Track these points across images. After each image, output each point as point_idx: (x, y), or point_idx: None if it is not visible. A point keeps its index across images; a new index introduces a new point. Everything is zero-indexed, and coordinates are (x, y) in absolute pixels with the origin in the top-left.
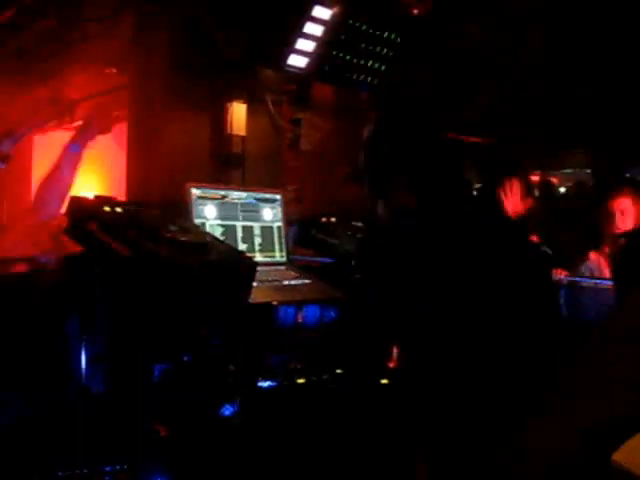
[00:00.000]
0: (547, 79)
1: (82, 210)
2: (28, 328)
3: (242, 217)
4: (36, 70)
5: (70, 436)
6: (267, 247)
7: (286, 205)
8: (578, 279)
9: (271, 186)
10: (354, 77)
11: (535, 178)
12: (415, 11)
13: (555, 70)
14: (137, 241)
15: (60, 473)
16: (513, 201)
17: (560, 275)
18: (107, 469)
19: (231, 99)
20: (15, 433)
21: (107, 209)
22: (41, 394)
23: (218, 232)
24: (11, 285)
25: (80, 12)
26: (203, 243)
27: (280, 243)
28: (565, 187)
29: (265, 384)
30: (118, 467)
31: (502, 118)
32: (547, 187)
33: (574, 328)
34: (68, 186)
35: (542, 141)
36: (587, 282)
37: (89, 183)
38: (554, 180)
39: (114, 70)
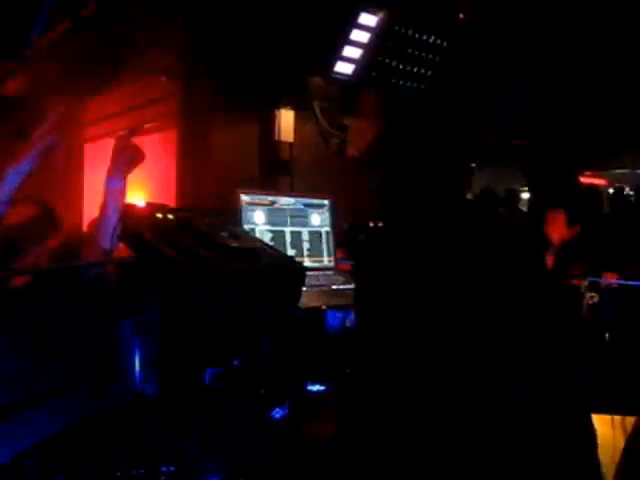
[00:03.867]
0: (594, 79)
1: (135, 217)
2: (84, 332)
3: (290, 222)
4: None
5: (126, 437)
6: (315, 252)
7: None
8: (630, 283)
9: (318, 191)
10: (401, 83)
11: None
12: (460, 16)
13: (602, 70)
14: (189, 247)
15: (118, 473)
16: (558, 230)
17: (610, 279)
18: (163, 469)
19: (279, 106)
20: (71, 435)
21: (159, 216)
22: (97, 397)
23: (267, 237)
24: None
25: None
26: (253, 249)
27: (328, 248)
28: (613, 188)
29: (314, 388)
30: (173, 468)
31: (547, 119)
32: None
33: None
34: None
35: (590, 141)
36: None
37: (136, 190)
38: (601, 182)
39: (164, 79)
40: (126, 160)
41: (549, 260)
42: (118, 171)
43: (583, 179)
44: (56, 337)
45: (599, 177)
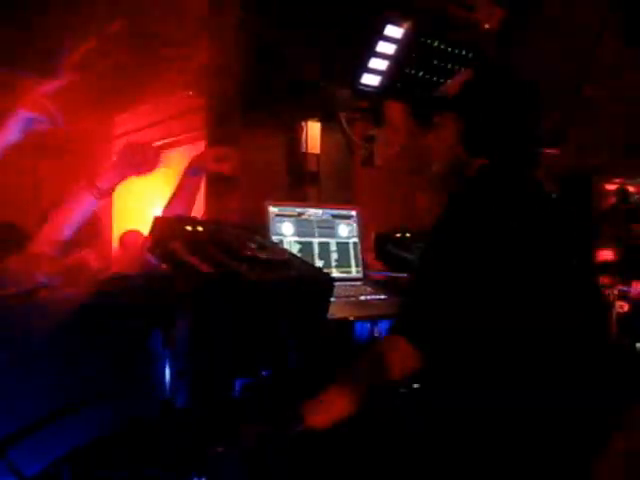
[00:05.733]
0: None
1: (165, 229)
2: (115, 343)
3: (318, 233)
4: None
5: (154, 449)
6: (343, 263)
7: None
8: None
9: (346, 202)
10: (426, 94)
11: (612, 187)
12: (486, 26)
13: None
14: (219, 259)
15: None
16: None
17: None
18: (194, 479)
19: (306, 118)
20: (103, 444)
21: (189, 228)
22: (127, 409)
23: (295, 249)
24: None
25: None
26: (282, 260)
27: (356, 259)
28: None
29: None
30: (204, 478)
31: (578, 126)
32: (623, 194)
33: None
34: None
35: (621, 148)
36: None
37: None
38: (632, 189)
39: (190, 93)
40: (132, 163)
41: None
42: (117, 174)
43: (611, 186)
44: (87, 349)
45: (628, 184)
